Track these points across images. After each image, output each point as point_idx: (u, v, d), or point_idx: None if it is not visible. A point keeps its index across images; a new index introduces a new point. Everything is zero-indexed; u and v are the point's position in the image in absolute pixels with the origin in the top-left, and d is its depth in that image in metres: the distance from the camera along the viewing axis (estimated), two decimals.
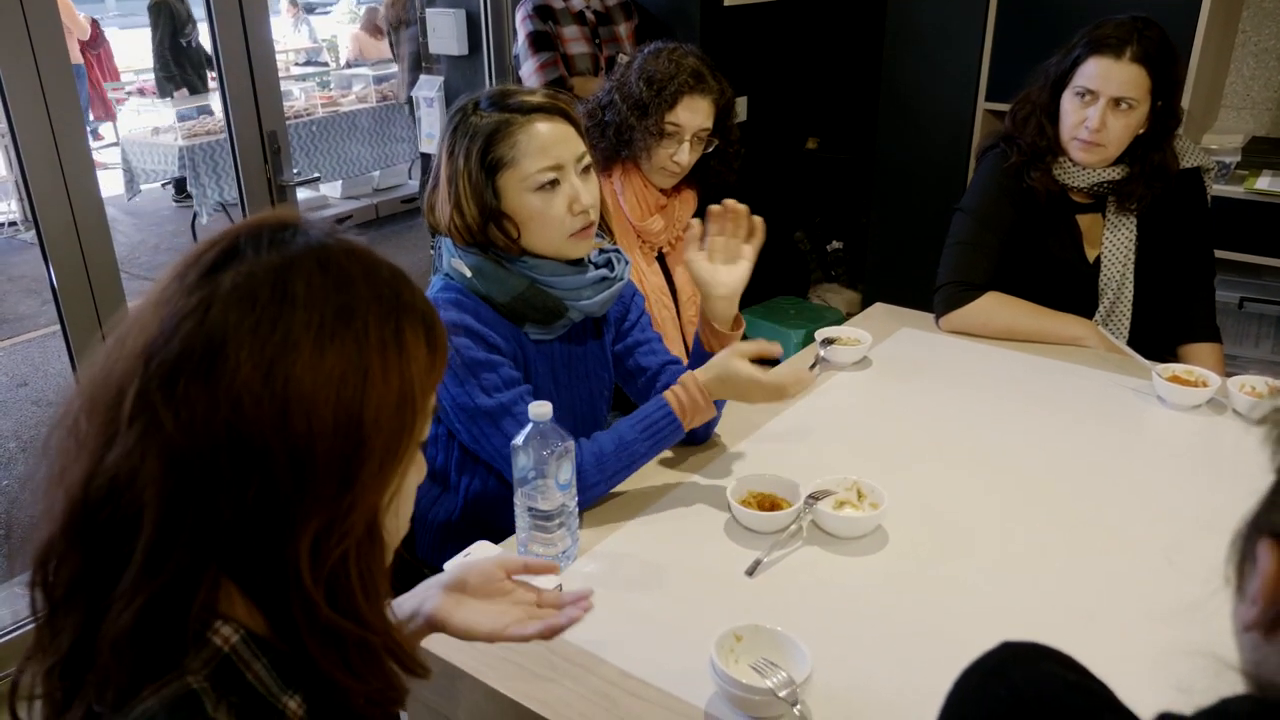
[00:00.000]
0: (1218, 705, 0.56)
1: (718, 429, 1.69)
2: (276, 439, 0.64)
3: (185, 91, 7.09)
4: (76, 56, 7.51)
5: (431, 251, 1.59)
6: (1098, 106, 1.94)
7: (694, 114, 1.98)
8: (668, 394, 1.48)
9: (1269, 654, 0.55)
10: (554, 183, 1.47)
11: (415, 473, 0.77)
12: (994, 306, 2.07)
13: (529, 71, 3.21)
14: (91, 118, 7.85)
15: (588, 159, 1.52)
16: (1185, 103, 2.73)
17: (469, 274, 1.48)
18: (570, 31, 3.29)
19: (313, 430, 0.65)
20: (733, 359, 1.47)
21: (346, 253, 0.71)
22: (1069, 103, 2.00)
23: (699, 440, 1.65)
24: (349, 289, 0.69)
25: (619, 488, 1.52)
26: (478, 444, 1.48)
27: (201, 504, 0.64)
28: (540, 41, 3.20)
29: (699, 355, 1.63)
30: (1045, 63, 2.05)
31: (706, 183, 2.16)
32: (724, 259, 1.60)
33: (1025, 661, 0.64)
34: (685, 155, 2.00)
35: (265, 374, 0.64)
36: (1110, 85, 1.92)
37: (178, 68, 7.20)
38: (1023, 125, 2.07)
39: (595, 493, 1.46)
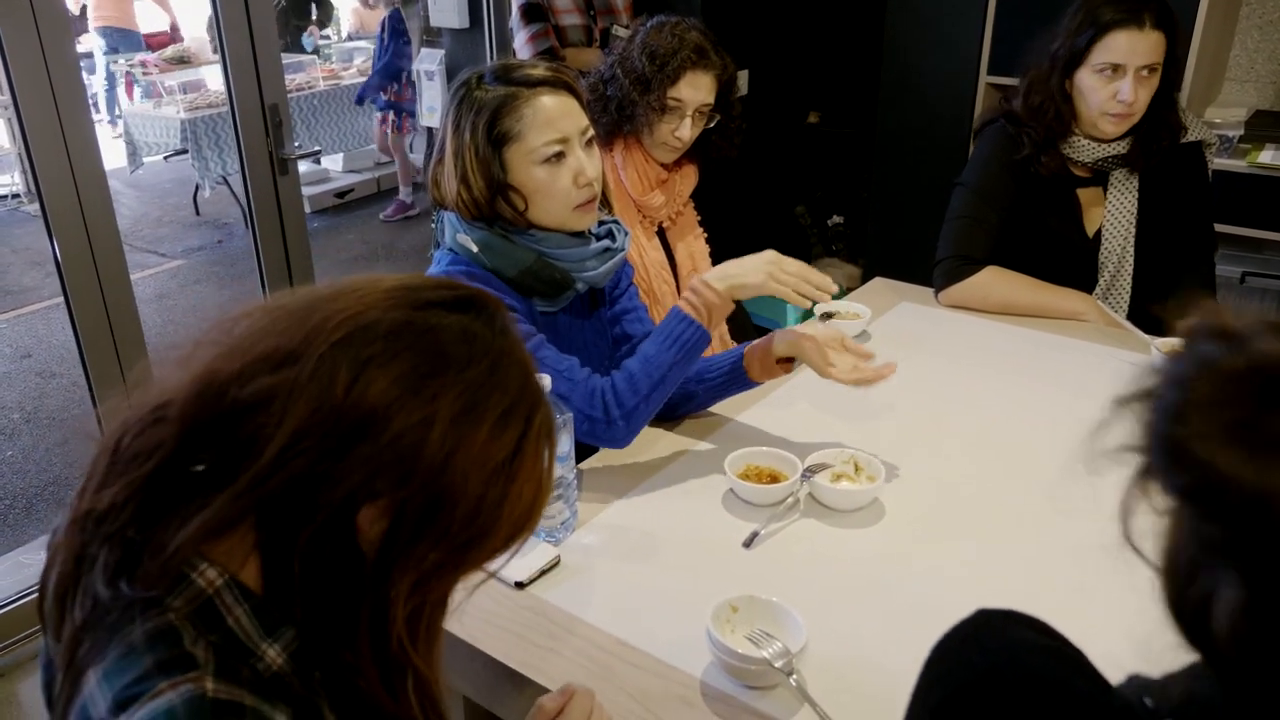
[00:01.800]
0: (1185, 669, 0.57)
1: (714, 408, 1.70)
2: (427, 474, 0.69)
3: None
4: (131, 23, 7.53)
5: (433, 226, 1.59)
6: (1128, 79, 1.93)
7: (696, 89, 1.97)
8: (679, 301, 1.49)
9: None
10: (560, 155, 1.48)
11: None
12: (993, 281, 2.08)
13: (520, 43, 3.26)
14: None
15: (591, 132, 1.53)
16: (1188, 75, 2.73)
17: (475, 249, 1.49)
18: (563, 3, 3.32)
19: (462, 490, 0.70)
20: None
21: (532, 365, 0.78)
22: (1091, 80, 1.97)
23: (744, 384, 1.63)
24: (530, 396, 0.76)
25: (615, 460, 1.54)
26: None
27: (326, 464, 0.67)
28: (532, 13, 3.26)
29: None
30: (1051, 47, 2.02)
31: (707, 157, 2.16)
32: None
33: (999, 628, 0.66)
34: (687, 131, 2.00)
35: (453, 418, 0.70)
36: (1137, 56, 1.92)
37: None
38: (1040, 113, 2.05)
39: (638, 417, 1.46)
